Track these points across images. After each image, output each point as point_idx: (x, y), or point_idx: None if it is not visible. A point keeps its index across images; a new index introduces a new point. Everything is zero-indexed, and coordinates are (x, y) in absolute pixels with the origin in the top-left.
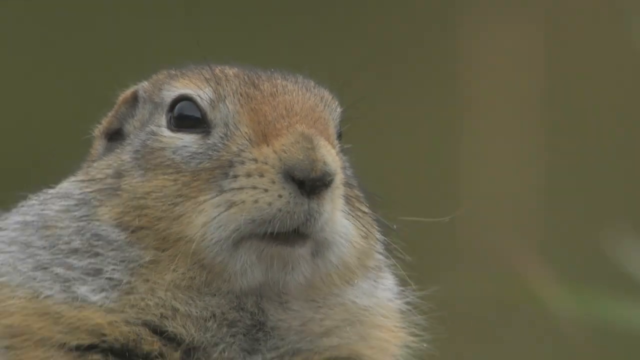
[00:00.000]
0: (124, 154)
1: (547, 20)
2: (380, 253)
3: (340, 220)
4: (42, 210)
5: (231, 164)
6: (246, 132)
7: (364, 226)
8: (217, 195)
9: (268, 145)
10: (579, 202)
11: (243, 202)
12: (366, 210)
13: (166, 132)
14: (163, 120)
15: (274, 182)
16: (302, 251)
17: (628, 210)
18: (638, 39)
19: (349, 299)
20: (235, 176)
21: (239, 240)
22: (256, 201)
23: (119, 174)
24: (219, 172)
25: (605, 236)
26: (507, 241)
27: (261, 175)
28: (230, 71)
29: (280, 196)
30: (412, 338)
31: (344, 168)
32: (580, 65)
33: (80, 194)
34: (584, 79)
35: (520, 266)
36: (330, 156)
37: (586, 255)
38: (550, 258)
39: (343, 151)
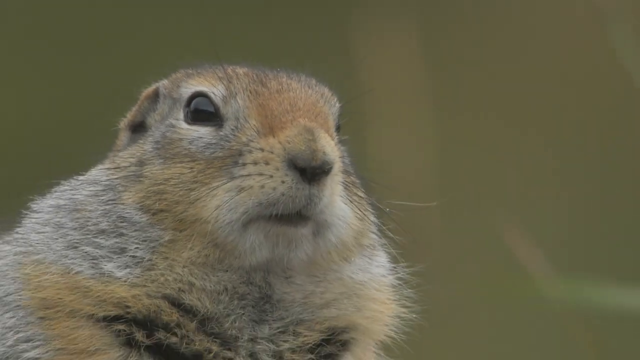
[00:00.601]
0: (146, 145)
1: (426, 19)
2: (374, 233)
3: (339, 204)
4: (73, 195)
5: (241, 153)
6: (254, 125)
7: (359, 209)
8: (228, 181)
9: (274, 137)
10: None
11: (251, 187)
12: (362, 195)
13: (183, 125)
14: (181, 114)
15: (278, 169)
16: (305, 231)
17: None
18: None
19: (347, 274)
20: (244, 164)
21: (248, 221)
22: (262, 186)
23: (141, 163)
24: (230, 160)
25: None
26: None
27: (267, 163)
28: (241, 70)
29: (283, 182)
30: (403, 309)
31: (342, 157)
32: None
33: (107, 180)
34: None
35: (512, 244)
36: (330, 147)
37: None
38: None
39: (341, 142)
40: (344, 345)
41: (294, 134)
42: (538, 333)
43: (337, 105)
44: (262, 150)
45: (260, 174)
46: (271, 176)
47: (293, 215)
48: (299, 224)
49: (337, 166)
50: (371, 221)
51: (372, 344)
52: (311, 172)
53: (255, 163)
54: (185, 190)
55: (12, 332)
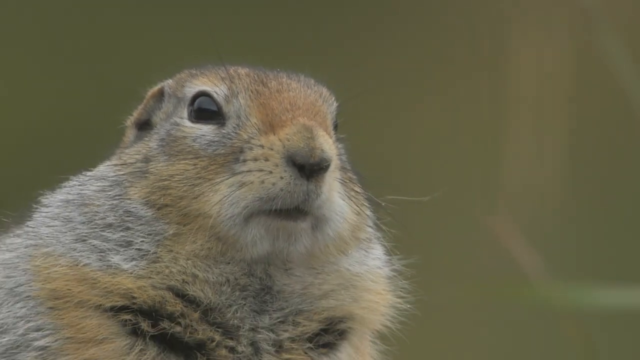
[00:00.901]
0: (152, 142)
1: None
2: (370, 227)
3: (337, 199)
4: (81, 190)
5: (242, 150)
6: (255, 123)
7: (356, 204)
8: (230, 177)
9: (274, 134)
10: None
11: (251, 182)
12: (359, 190)
13: (187, 123)
14: (185, 112)
15: (277, 166)
16: (304, 225)
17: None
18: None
19: (344, 266)
20: (245, 160)
21: (249, 215)
22: (262, 182)
23: (147, 159)
24: (231, 157)
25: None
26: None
27: (267, 160)
28: (242, 71)
29: (282, 177)
30: (398, 300)
31: (339, 155)
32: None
33: (114, 176)
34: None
35: (509, 245)
36: (327, 144)
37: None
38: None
39: (339, 140)
40: (342, 334)
41: (293, 132)
42: (532, 332)
43: (335, 104)
44: (262, 147)
45: (261, 170)
46: (271, 172)
47: (292, 210)
48: (298, 218)
49: (334, 163)
50: (367, 215)
51: (369, 333)
52: (309, 168)
53: (255, 159)
54: (189, 185)
55: (23, 322)
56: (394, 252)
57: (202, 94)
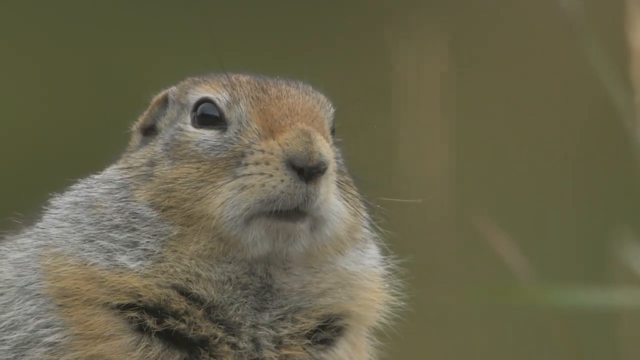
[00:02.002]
0: (156, 146)
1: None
2: (366, 227)
3: (334, 201)
4: (89, 192)
5: (243, 154)
6: (256, 128)
7: (352, 206)
8: (231, 180)
9: (274, 139)
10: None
11: (252, 185)
12: (355, 192)
13: (191, 128)
14: (188, 118)
15: (277, 169)
16: (302, 226)
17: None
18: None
19: (341, 265)
20: (246, 164)
21: (250, 217)
22: (263, 185)
23: (152, 163)
24: (233, 161)
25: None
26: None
27: (267, 164)
28: (243, 78)
29: (282, 180)
30: (392, 297)
31: (336, 158)
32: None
33: (121, 179)
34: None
35: (496, 245)
36: (325, 148)
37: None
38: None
39: (336, 144)
40: (339, 331)
41: (292, 137)
42: (519, 332)
43: (332, 110)
44: (263, 151)
45: (261, 174)
46: (271, 175)
47: (292, 212)
48: (298, 219)
49: (332, 166)
50: (363, 216)
51: (365, 329)
52: (308, 171)
53: (256, 163)
54: (193, 188)
55: (33, 319)
56: (388, 252)
57: (205, 100)
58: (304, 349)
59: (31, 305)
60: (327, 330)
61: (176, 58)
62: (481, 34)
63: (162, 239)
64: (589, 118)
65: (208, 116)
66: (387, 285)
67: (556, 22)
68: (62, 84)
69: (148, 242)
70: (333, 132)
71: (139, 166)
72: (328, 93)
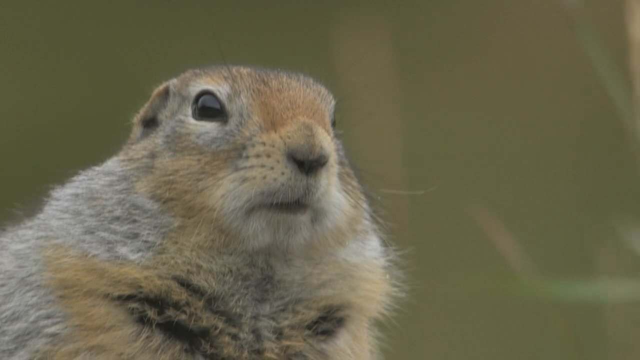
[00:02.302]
0: (157, 138)
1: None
2: (366, 219)
3: (335, 193)
4: (90, 184)
5: (244, 147)
6: (257, 121)
7: (353, 197)
8: (232, 172)
9: (275, 132)
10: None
11: (254, 177)
12: (355, 184)
13: (191, 121)
14: (189, 110)
15: (278, 162)
16: (303, 218)
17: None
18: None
19: (341, 257)
20: (247, 156)
21: (251, 209)
22: (264, 177)
23: (153, 155)
24: (234, 153)
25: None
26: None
27: (268, 156)
28: (244, 70)
29: (283, 173)
30: (393, 289)
31: (337, 150)
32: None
33: (121, 171)
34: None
35: (494, 239)
36: (326, 141)
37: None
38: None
39: (336, 136)
40: (340, 322)
41: (293, 130)
42: (516, 323)
43: (333, 102)
44: (264, 144)
45: (262, 166)
46: (272, 168)
47: (292, 204)
48: (298, 211)
49: (333, 159)
50: (364, 208)
51: (365, 320)
52: (309, 164)
53: (257, 156)
54: (194, 180)
55: (34, 309)
56: (389, 243)
57: (206, 92)
58: (305, 340)
59: (32, 296)
60: (328, 322)
61: (177, 50)
62: (433, 26)
63: (162, 230)
64: (587, 111)
65: (209, 108)
66: (387, 276)
67: (555, 15)
68: (62, 76)
69: (149, 233)
70: (334, 124)
71: (140, 158)
72: (327, 84)
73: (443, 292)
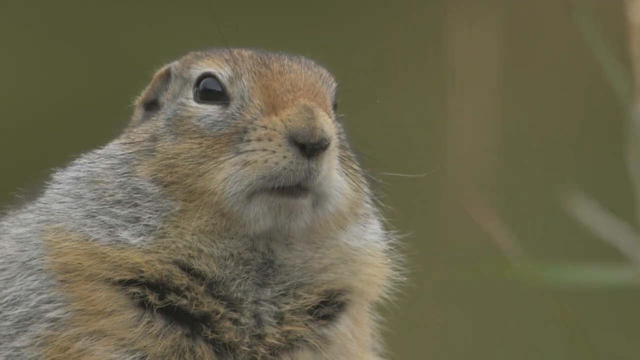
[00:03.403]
0: (159, 121)
1: (507, 19)
2: (368, 202)
3: (336, 176)
4: (91, 167)
5: (246, 130)
6: (258, 104)
7: (354, 181)
8: (234, 156)
9: (276, 115)
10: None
11: (255, 161)
12: (357, 167)
13: (193, 104)
14: (190, 93)
15: (280, 145)
16: (305, 202)
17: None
18: (584, 28)
19: (343, 241)
20: (249, 140)
21: (252, 193)
22: (265, 161)
23: (154, 138)
24: (235, 136)
25: (564, 198)
26: (473, 200)
27: (270, 140)
28: (246, 53)
29: (285, 157)
30: (394, 272)
31: (338, 133)
32: (536, 50)
33: (123, 154)
34: (540, 64)
35: (485, 225)
36: (327, 124)
37: (546, 218)
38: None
39: (338, 119)
40: (341, 306)
41: (294, 113)
42: (511, 309)
43: (334, 85)
44: (265, 127)
45: (264, 150)
46: (274, 151)
47: (294, 187)
48: (300, 195)
49: (334, 142)
50: (365, 192)
51: (367, 304)
52: (310, 148)
53: (259, 139)
54: (195, 164)
55: (35, 294)
56: (390, 227)
57: (207, 75)
58: (306, 324)
59: (33, 280)
60: (329, 306)
61: (179, 33)
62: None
63: (164, 214)
64: (587, 96)
65: (210, 91)
66: (388, 260)
67: (554, 0)
68: (62, 59)
69: (150, 217)
70: (335, 107)
71: (141, 141)
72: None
73: (439, 277)
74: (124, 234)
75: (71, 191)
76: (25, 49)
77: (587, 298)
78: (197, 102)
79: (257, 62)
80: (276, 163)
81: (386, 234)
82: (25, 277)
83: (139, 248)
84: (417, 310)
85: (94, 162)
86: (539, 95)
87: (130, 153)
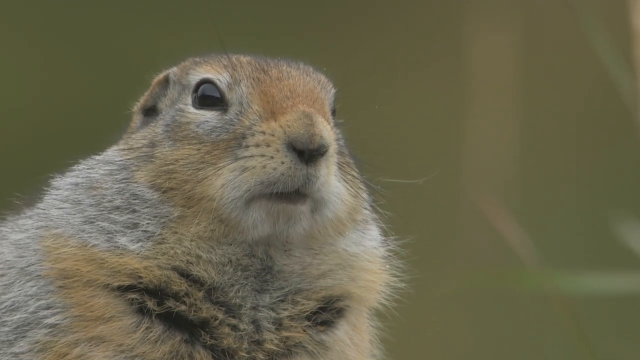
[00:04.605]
0: (157, 127)
1: (526, 26)
2: (366, 209)
3: (334, 182)
4: (90, 173)
5: (244, 136)
6: (257, 110)
7: (352, 187)
8: (232, 162)
9: (275, 121)
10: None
11: (254, 167)
12: (355, 174)
13: (191, 109)
14: (189, 99)
15: (278, 151)
16: (303, 208)
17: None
18: (594, 37)
19: (341, 247)
20: (247, 146)
21: (251, 199)
22: (264, 167)
23: (153, 144)
24: (234, 142)
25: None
26: (491, 205)
27: (268, 145)
28: (244, 59)
29: (283, 162)
30: (393, 278)
31: (337, 140)
32: (553, 56)
33: (121, 160)
34: (556, 70)
35: (502, 230)
36: (326, 131)
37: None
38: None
39: (337, 125)
40: (339, 312)
41: (293, 119)
42: (523, 314)
43: (333, 91)
44: (263, 133)
45: (262, 155)
46: (272, 157)
47: (292, 193)
48: (298, 201)
49: (333, 148)
50: (364, 198)
51: (365, 310)
52: (309, 154)
53: (257, 145)
54: (193, 170)
55: (33, 300)
56: (389, 233)
57: (206, 81)
58: (304, 330)
59: (32, 286)
60: (328, 312)
61: (179, 38)
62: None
63: (162, 220)
64: (592, 100)
65: (209, 97)
66: (387, 266)
67: (558, 3)
68: (63, 62)
69: (148, 223)
70: (334, 113)
71: (140, 147)
72: (328, 73)
73: (447, 283)
74: (122, 240)
75: (70, 197)
76: (26, 51)
77: (598, 305)
78: (196, 108)
79: (255, 68)
80: (274, 169)
81: (385, 240)
82: (23, 283)
83: (138, 254)
84: (418, 316)
85: (92, 168)
86: (556, 100)
87: (129, 159)
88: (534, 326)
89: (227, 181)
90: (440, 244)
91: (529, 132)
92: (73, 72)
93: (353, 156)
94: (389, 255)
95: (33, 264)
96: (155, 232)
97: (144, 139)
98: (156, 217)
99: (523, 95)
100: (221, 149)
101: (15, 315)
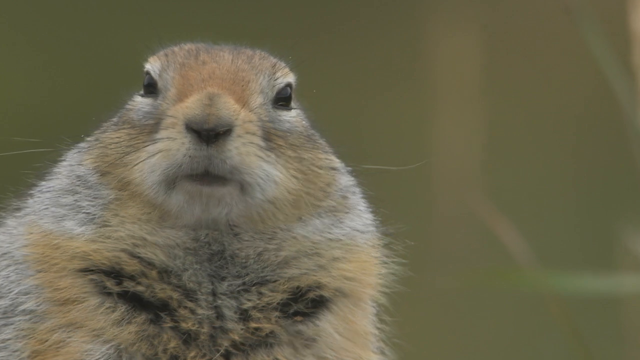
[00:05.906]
0: (116, 116)
1: (490, 27)
2: (345, 197)
3: (258, 164)
4: (63, 162)
5: (160, 120)
6: (173, 94)
7: (296, 170)
8: (149, 146)
9: (182, 103)
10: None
11: (160, 150)
12: (308, 157)
13: (138, 98)
14: (142, 90)
15: (180, 133)
16: (225, 190)
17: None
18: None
19: (299, 233)
20: (160, 129)
21: (172, 182)
22: (169, 149)
23: (105, 129)
24: (155, 127)
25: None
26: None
27: (172, 127)
28: (186, 47)
29: (183, 144)
30: (382, 270)
31: (258, 121)
32: (517, 56)
33: (83, 145)
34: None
35: (497, 230)
36: (227, 110)
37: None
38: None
39: (293, 109)
40: (316, 303)
41: (192, 100)
42: (517, 317)
43: (283, 77)
44: (170, 116)
45: (168, 138)
46: (175, 139)
47: (206, 175)
48: (214, 182)
49: (241, 128)
50: (328, 183)
51: (361, 304)
52: (205, 134)
53: (166, 128)
54: (121, 154)
55: (14, 285)
56: (377, 223)
57: (147, 72)
58: (276, 321)
59: (13, 271)
60: (300, 303)
61: (184, 39)
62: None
63: (101, 202)
64: (590, 103)
65: (148, 85)
66: (369, 256)
67: (555, 6)
68: (70, 62)
69: (89, 204)
70: (289, 98)
71: (98, 133)
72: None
73: (443, 284)
74: (69, 224)
75: (46, 184)
76: (26, 53)
77: (593, 305)
78: (142, 96)
79: (188, 54)
80: (177, 150)
81: (371, 229)
82: (7, 268)
83: (84, 237)
84: (415, 319)
85: (66, 157)
86: (519, 100)
87: (86, 144)
88: (529, 327)
89: (145, 165)
90: (436, 245)
91: (496, 132)
92: (74, 74)
93: (329, 144)
94: (376, 245)
95: (18, 249)
96: (97, 214)
97: (103, 127)
98: (96, 198)
99: (488, 96)
100: (145, 133)
101: (2, 301)
